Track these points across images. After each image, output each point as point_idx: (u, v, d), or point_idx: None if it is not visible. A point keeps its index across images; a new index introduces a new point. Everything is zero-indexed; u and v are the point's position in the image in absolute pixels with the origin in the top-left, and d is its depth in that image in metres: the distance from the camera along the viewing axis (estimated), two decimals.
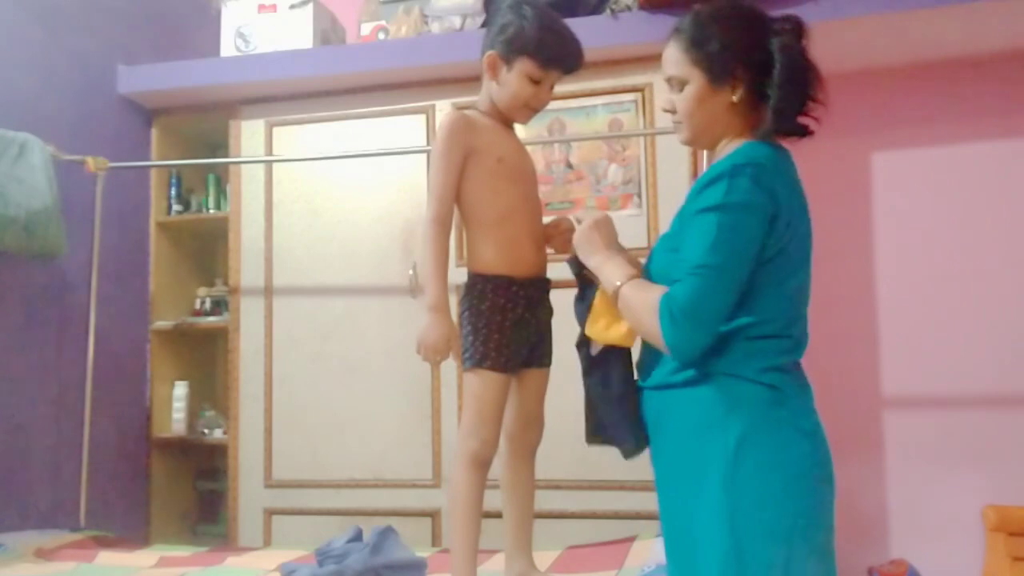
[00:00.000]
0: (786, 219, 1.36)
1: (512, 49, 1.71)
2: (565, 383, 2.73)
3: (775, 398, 1.35)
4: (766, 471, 1.32)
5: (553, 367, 2.64)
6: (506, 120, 1.80)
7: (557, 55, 1.72)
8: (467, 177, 1.74)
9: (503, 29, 1.73)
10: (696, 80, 1.43)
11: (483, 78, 1.78)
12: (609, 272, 1.47)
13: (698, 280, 1.33)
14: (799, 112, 1.41)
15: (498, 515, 1.82)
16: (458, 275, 1.91)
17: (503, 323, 1.70)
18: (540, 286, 1.79)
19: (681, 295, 1.33)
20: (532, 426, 1.80)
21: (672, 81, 1.47)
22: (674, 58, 1.45)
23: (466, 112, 1.79)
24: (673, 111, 1.49)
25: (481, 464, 1.71)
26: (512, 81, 1.72)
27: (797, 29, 1.41)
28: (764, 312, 1.37)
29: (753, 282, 1.36)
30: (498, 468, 1.80)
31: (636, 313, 1.41)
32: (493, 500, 1.79)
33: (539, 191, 1.88)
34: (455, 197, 1.73)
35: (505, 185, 1.74)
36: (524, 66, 1.70)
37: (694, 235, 1.36)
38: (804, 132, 1.42)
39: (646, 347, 1.49)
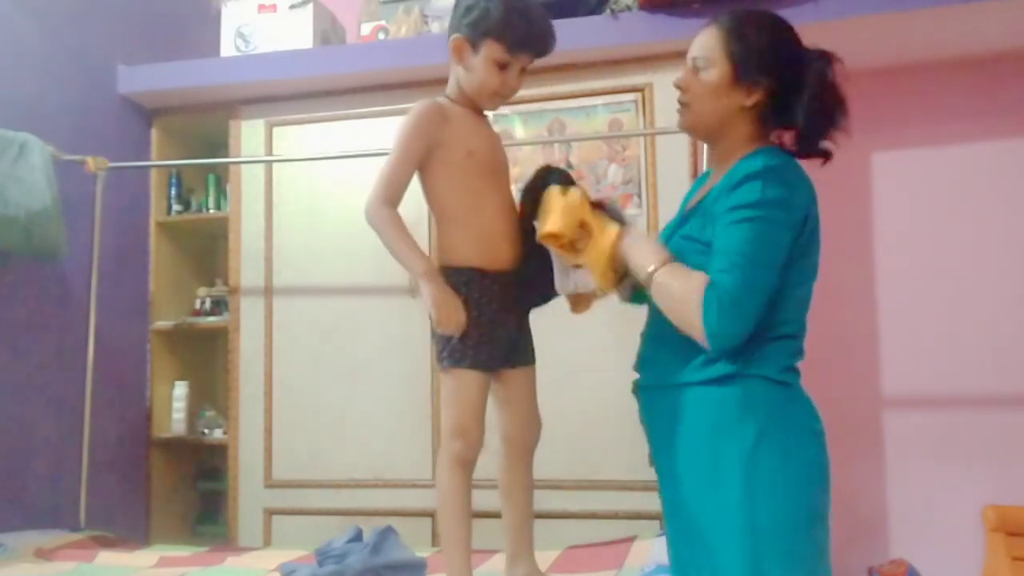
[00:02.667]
0: (812, 224, 1.39)
1: (477, 32, 1.62)
2: (564, 383, 2.74)
3: (790, 397, 1.39)
4: (782, 470, 1.34)
5: (550, 366, 2.62)
6: (477, 107, 1.73)
7: (524, 37, 1.63)
8: (435, 171, 1.68)
9: (468, 11, 1.64)
10: (721, 69, 1.43)
11: (450, 63, 1.71)
12: (640, 253, 1.44)
13: (742, 272, 1.31)
14: (823, 137, 1.43)
15: (498, 515, 1.81)
16: None
17: (479, 319, 1.65)
18: (514, 282, 1.73)
19: (730, 284, 1.31)
20: (530, 426, 1.77)
21: (697, 61, 1.46)
22: (709, 43, 1.45)
23: (438, 101, 1.71)
24: (685, 90, 1.48)
25: (466, 464, 1.68)
26: (479, 67, 1.64)
27: (831, 60, 1.43)
28: (786, 313, 1.39)
29: (782, 283, 1.37)
30: (494, 472, 1.79)
31: (676, 300, 1.37)
32: (493, 499, 1.79)
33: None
34: (406, 185, 1.66)
35: (475, 180, 1.68)
36: (490, 50, 1.62)
37: (732, 231, 1.34)
38: (826, 155, 1.45)
39: (652, 346, 1.49)
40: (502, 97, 1.69)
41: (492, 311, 1.67)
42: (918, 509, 3.04)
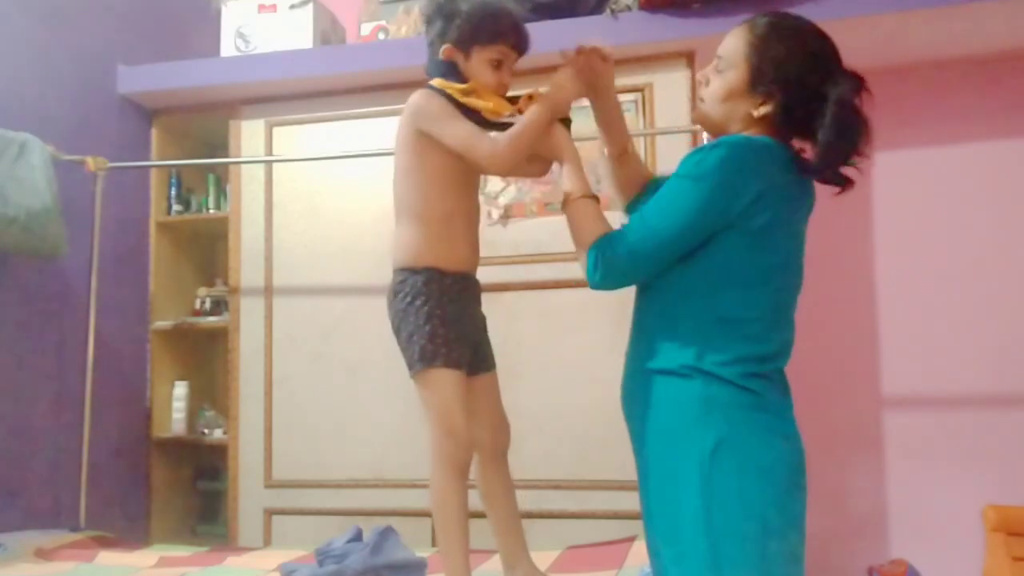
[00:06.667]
0: (768, 202, 1.36)
1: (469, 38, 1.68)
2: (564, 383, 2.74)
3: (755, 402, 1.36)
4: (743, 474, 1.32)
5: (550, 368, 2.63)
6: None
7: (507, 29, 1.70)
8: (423, 168, 1.70)
9: (448, 22, 1.69)
10: (737, 74, 1.43)
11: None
12: (571, 176, 1.56)
13: (635, 236, 1.41)
14: (842, 163, 1.39)
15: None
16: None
17: (445, 316, 1.66)
18: (473, 285, 1.76)
19: (619, 247, 1.41)
20: (499, 430, 1.78)
21: (720, 62, 1.47)
22: (734, 44, 1.45)
23: None
24: (704, 85, 1.50)
25: (462, 468, 1.67)
26: (474, 69, 1.69)
27: (859, 84, 1.39)
28: (749, 308, 1.38)
29: (739, 273, 1.37)
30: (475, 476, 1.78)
31: (575, 232, 1.51)
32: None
33: (538, 191, 1.86)
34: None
35: (457, 186, 1.71)
36: (483, 52, 1.68)
37: (658, 194, 1.42)
38: (845, 182, 1.42)
39: (638, 336, 1.50)
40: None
41: (456, 310, 1.69)
42: (918, 509, 3.04)
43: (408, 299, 1.68)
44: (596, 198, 1.53)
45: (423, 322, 1.65)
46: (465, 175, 1.74)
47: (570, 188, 1.55)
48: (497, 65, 1.69)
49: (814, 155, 1.39)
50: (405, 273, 1.70)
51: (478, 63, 1.69)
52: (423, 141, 1.68)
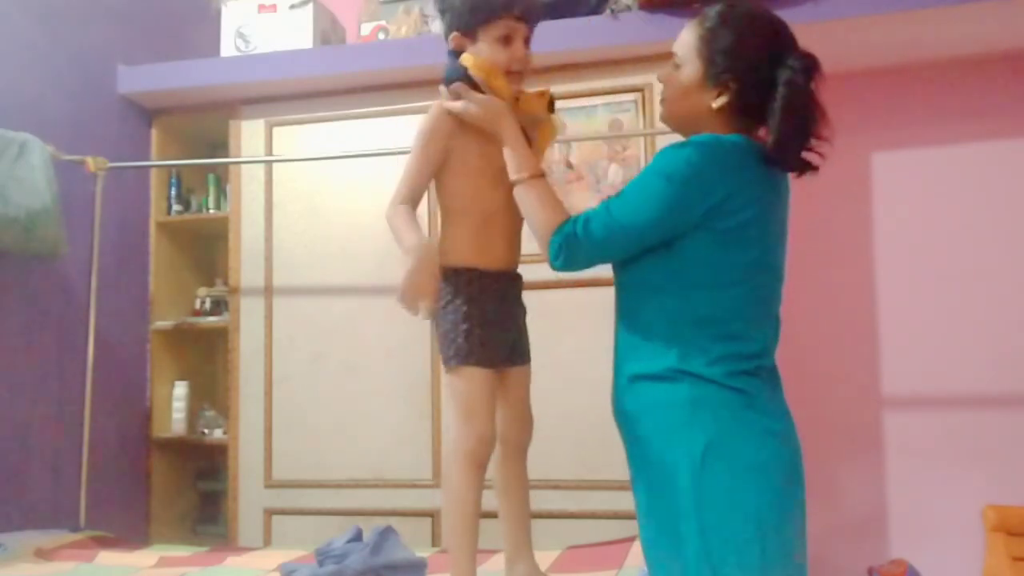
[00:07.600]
0: (739, 202, 1.36)
1: (468, 21, 1.67)
2: (563, 383, 2.74)
3: (743, 401, 1.35)
4: (735, 475, 1.32)
5: (550, 368, 2.62)
6: None
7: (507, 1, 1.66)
8: (448, 172, 1.70)
9: (449, 10, 1.69)
10: (692, 69, 1.44)
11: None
12: (516, 155, 1.56)
13: (596, 225, 1.41)
14: (799, 148, 1.39)
15: (497, 515, 1.81)
16: None
17: (482, 316, 1.67)
18: (512, 281, 1.76)
19: (581, 234, 1.42)
20: (523, 425, 1.78)
21: (675, 59, 1.48)
22: (685, 40, 1.46)
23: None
24: (665, 85, 1.51)
25: (480, 464, 1.67)
26: (484, 50, 1.68)
27: (810, 67, 1.38)
28: (724, 307, 1.38)
29: (711, 273, 1.37)
30: (490, 471, 1.78)
31: (532, 214, 1.53)
32: (492, 499, 1.79)
33: None
34: (425, 187, 1.70)
35: (485, 183, 1.69)
36: (488, 31, 1.66)
37: (627, 186, 1.43)
38: (805, 167, 1.41)
39: (620, 340, 1.50)
40: (517, 73, 1.69)
41: (493, 309, 1.69)
42: (918, 509, 3.04)
43: (448, 297, 1.68)
44: (544, 174, 1.55)
45: (461, 320, 1.66)
46: (500, 169, 1.70)
47: (517, 168, 1.56)
48: (506, 41, 1.66)
49: (770, 142, 1.38)
50: (446, 271, 1.69)
51: (486, 43, 1.67)
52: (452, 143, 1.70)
